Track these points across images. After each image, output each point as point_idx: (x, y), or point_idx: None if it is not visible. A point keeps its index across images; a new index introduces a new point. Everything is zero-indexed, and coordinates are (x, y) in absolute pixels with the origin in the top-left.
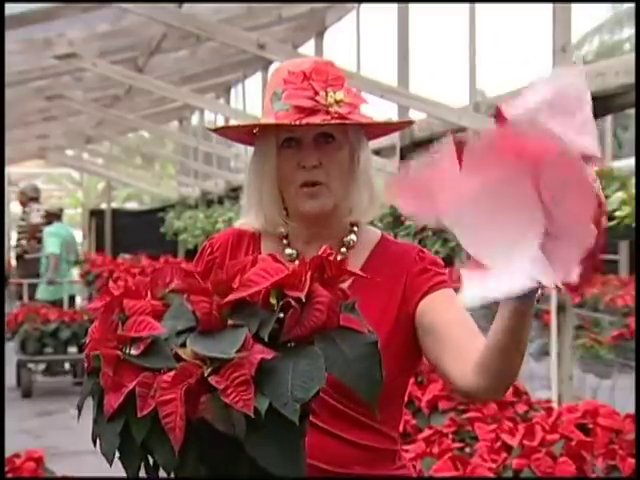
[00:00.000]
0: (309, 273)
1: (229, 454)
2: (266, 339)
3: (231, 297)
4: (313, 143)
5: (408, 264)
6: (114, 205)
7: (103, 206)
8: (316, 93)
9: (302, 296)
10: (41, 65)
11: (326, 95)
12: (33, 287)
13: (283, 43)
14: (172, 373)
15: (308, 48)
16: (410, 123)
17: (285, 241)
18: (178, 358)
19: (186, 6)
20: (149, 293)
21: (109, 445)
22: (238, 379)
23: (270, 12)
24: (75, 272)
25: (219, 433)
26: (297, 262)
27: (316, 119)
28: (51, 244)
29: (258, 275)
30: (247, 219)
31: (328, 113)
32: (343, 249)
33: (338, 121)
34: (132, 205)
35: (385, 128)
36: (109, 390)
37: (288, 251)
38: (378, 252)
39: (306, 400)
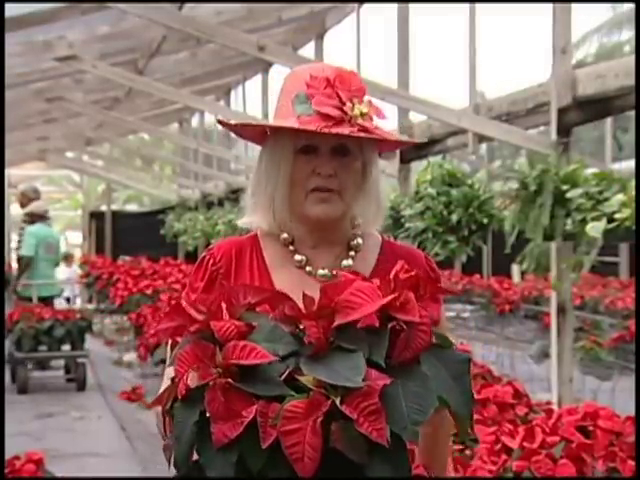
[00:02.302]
0: (412, 294)
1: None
2: (383, 364)
3: (341, 320)
4: (330, 153)
5: (421, 268)
6: (114, 207)
7: (103, 208)
8: (343, 103)
9: (417, 319)
10: (41, 67)
11: (353, 106)
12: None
13: (283, 45)
14: (299, 403)
15: (308, 50)
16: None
17: (292, 247)
18: (288, 384)
19: (186, 8)
20: (225, 313)
21: (220, 474)
22: (368, 408)
23: (270, 14)
24: (56, 272)
25: (339, 460)
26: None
27: (343, 130)
28: (26, 246)
29: (355, 296)
30: (252, 219)
31: (352, 125)
32: (352, 252)
33: (364, 134)
34: (132, 207)
35: (397, 143)
36: (219, 419)
37: (297, 257)
38: (385, 254)
39: (423, 423)
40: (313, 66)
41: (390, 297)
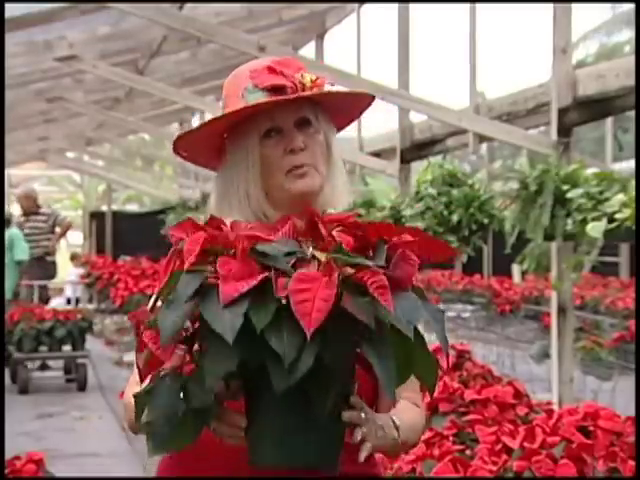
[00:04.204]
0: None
1: (344, 358)
2: (384, 264)
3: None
4: (294, 128)
5: None
6: (114, 207)
7: (103, 208)
8: (289, 76)
9: (410, 239)
10: (41, 67)
11: (302, 75)
12: (44, 289)
13: (283, 45)
14: (310, 271)
15: (308, 50)
16: (370, 96)
17: None
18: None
19: (186, 8)
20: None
21: (229, 325)
22: (377, 283)
23: (270, 14)
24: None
25: (340, 336)
26: None
27: (303, 94)
28: (23, 249)
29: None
30: (227, 221)
31: (305, 90)
32: None
33: (325, 90)
34: (132, 207)
35: (351, 116)
36: (228, 280)
37: None
38: None
39: (415, 325)
40: (249, 63)
41: (385, 225)
